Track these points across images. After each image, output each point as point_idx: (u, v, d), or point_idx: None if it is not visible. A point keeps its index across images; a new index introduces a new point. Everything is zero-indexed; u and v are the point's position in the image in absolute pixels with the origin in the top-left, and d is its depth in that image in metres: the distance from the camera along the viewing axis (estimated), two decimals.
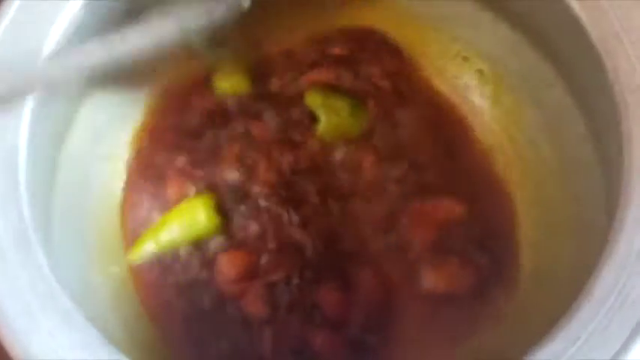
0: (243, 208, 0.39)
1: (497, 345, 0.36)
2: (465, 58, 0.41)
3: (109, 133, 0.40)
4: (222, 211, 0.39)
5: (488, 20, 0.39)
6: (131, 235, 0.40)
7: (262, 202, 0.39)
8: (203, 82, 0.42)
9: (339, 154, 0.40)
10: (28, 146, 0.31)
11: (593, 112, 0.34)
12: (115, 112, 0.40)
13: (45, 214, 0.33)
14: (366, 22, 0.42)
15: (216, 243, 0.39)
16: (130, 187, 0.41)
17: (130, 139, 0.41)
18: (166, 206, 0.40)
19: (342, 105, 0.41)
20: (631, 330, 0.26)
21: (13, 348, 0.27)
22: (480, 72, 0.41)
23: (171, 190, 0.40)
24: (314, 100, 0.41)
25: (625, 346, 0.26)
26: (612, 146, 0.31)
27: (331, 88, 0.41)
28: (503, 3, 0.37)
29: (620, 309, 0.26)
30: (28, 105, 0.31)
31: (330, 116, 0.40)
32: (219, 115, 0.41)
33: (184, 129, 0.41)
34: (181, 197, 0.40)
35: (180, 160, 0.41)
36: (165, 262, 0.40)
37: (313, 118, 0.41)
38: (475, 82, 0.41)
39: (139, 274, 0.40)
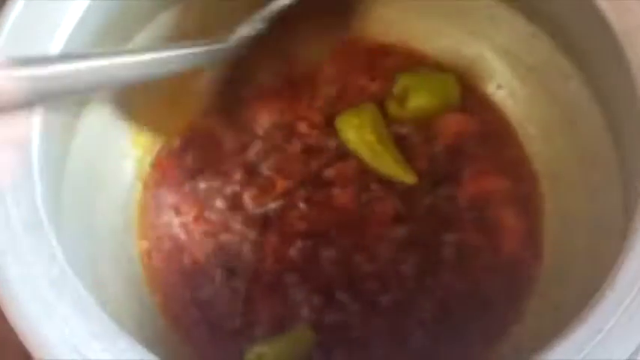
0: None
1: (520, 341, 0.36)
2: (480, 52, 0.41)
3: (120, 126, 0.39)
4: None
5: (503, 13, 0.39)
6: (145, 229, 0.40)
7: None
8: None
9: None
10: (41, 136, 0.31)
11: (612, 105, 0.33)
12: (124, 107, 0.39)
13: (56, 205, 0.33)
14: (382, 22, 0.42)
15: None
16: (148, 182, 0.41)
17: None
18: (185, 202, 0.40)
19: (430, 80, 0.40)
20: None
21: (26, 334, 0.27)
22: (495, 65, 0.41)
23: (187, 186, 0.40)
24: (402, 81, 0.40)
25: None
26: (631, 140, 0.30)
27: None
28: None
29: None
30: None
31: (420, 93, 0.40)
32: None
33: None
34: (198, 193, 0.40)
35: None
36: (175, 253, 0.40)
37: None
38: (489, 75, 0.41)
39: (149, 265, 0.40)
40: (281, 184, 0.40)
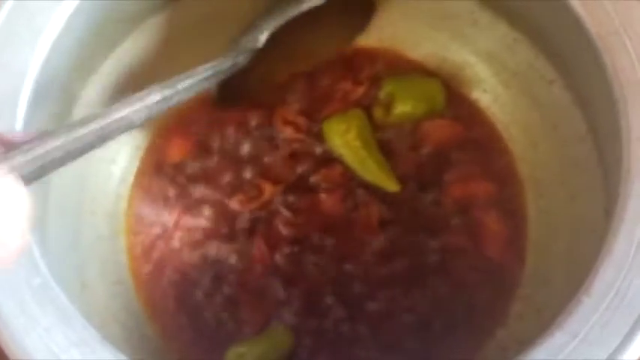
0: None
1: (504, 344, 0.36)
2: (464, 57, 0.41)
3: None
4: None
5: (487, 19, 0.39)
6: (132, 236, 0.40)
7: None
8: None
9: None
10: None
11: (592, 109, 0.34)
12: None
13: (41, 211, 0.33)
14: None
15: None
16: (135, 187, 0.41)
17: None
18: (171, 208, 0.40)
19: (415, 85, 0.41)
20: (630, 326, 0.26)
21: (8, 345, 0.27)
22: (479, 70, 0.41)
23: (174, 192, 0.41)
24: (388, 87, 0.40)
25: (625, 342, 0.26)
26: (611, 143, 0.31)
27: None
28: (502, 2, 0.37)
29: (619, 305, 0.26)
30: (24, 97, 0.31)
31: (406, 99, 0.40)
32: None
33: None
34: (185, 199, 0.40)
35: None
36: (162, 260, 0.40)
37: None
38: (473, 80, 0.41)
39: (136, 271, 0.40)
40: (268, 190, 0.40)
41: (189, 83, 0.31)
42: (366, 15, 0.41)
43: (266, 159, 0.40)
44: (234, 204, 0.40)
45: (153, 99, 0.29)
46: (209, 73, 0.32)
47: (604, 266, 0.27)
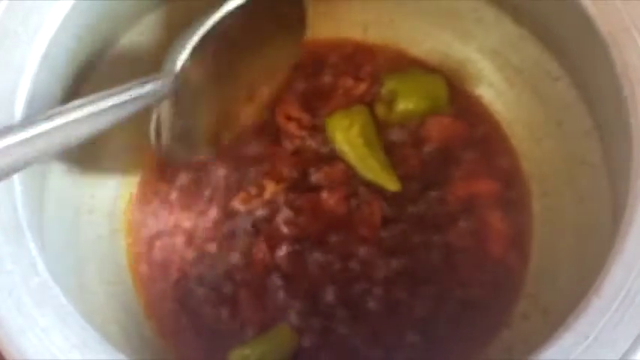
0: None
1: (510, 345, 0.36)
2: (468, 54, 0.41)
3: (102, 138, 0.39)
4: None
5: (491, 15, 0.38)
6: (132, 235, 0.40)
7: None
8: None
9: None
10: None
11: (599, 106, 0.33)
12: None
13: (38, 209, 0.33)
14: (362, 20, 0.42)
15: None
16: (136, 187, 0.40)
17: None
18: (171, 207, 0.40)
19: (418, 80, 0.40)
20: None
21: (6, 346, 0.26)
22: (483, 67, 0.41)
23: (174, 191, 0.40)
24: (390, 84, 0.40)
25: (636, 343, 0.25)
26: (619, 141, 0.30)
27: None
28: None
29: (629, 307, 0.26)
30: (22, 95, 0.30)
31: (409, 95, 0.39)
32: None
33: None
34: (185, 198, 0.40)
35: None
36: (163, 259, 0.39)
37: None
38: (476, 77, 0.41)
39: (136, 271, 0.39)
40: (271, 189, 0.39)
41: (110, 104, 0.29)
42: (300, 30, 0.38)
43: (268, 157, 0.40)
44: (236, 203, 0.39)
45: (75, 116, 0.28)
46: (129, 97, 0.30)
47: (614, 267, 0.26)
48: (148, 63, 0.39)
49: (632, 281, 0.26)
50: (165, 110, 0.33)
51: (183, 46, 0.32)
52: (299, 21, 0.37)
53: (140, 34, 0.38)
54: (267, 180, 0.39)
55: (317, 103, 0.41)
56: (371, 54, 0.42)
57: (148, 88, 0.31)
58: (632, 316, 0.26)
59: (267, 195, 0.39)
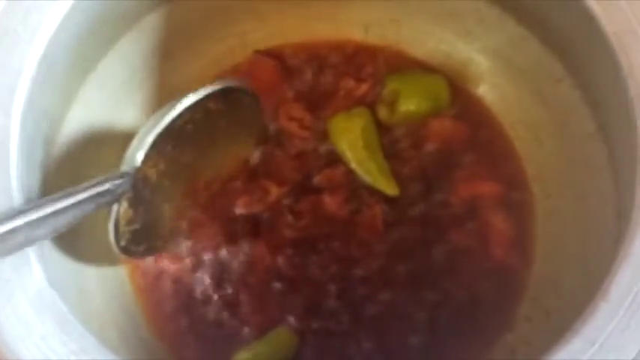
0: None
1: (513, 348, 0.35)
2: (470, 54, 0.40)
3: (102, 137, 0.39)
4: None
5: (493, 15, 0.38)
6: None
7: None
8: None
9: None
10: (20, 141, 0.30)
11: (603, 108, 0.33)
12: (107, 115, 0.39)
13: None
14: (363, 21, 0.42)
15: None
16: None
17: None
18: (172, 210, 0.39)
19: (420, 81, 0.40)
20: None
21: (4, 354, 0.26)
22: (485, 68, 0.40)
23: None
24: (391, 85, 0.39)
25: None
26: (624, 143, 0.30)
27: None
28: None
29: (636, 311, 0.26)
30: (20, 95, 0.30)
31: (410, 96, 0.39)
32: None
33: None
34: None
35: None
36: (162, 263, 0.39)
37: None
38: (479, 78, 0.41)
39: (136, 275, 0.39)
40: (274, 192, 0.39)
41: (68, 204, 0.29)
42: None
43: (271, 159, 0.39)
44: (238, 207, 0.39)
45: (31, 217, 0.27)
46: (88, 194, 0.30)
47: (621, 270, 0.26)
48: (148, 63, 0.39)
49: None
50: (122, 208, 0.33)
51: (142, 143, 0.32)
52: (255, 118, 0.38)
53: (140, 34, 0.38)
54: (270, 183, 0.39)
55: (319, 103, 0.41)
56: (372, 55, 0.42)
57: (110, 184, 0.31)
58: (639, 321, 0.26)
59: (271, 198, 0.39)
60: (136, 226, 0.34)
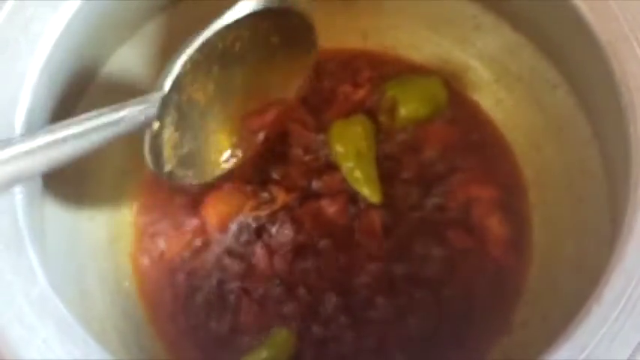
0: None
1: (510, 352, 0.35)
2: (467, 61, 0.41)
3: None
4: None
5: (490, 22, 0.39)
6: (133, 242, 0.40)
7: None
8: None
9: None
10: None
11: (598, 114, 0.33)
12: None
13: (39, 217, 0.32)
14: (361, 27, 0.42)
15: None
16: (136, 193, 0.40)
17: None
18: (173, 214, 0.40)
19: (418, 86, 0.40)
20: None
21: (6, 357, 0.26)
22: (482, 74, 0.41)
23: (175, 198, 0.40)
24: (390, 92, 0.40)
25: (635, 353, 0.25)
26: (618, 149, 0.30)
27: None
28: (505, 5, 0.37)
29: (629, 315, 0.26)
30: (23, 103, 0.30)
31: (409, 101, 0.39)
32: None
33: None
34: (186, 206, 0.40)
35: None
36: (164, 266, 0.39)
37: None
38: (476, 84, 0.41)
39: (136, 278, 0.39)
40: (281, 198, 0.39)
41: (99, 123, 0.29)
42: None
43: (282, 161, 0.40)
44: (245, 211, 0.39)
45: (68, 132, 0.28)
46: (117, 116, 0.29)
47: (614, 274, 0.27)
48: (149, 70, 0.39)
49: (633, 289, 0.26)
50: (167, 132, 0.32)
51: (171, 65, 0.31)
52: (307, 42, 0.37)
53: (141, 41, 0.38)
54: (278, 189, 0.39)
55: (320, 108, 0.41)
56: (370, 60, 0.42)
57: (127, 111, 0.30)
58: (632, 325, 0.26)
59: (278, 204, 0.39)
60: (184, 150, 0.33)
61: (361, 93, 0.41)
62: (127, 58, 0.38)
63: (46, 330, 0.27)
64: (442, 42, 0.41)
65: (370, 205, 0.39)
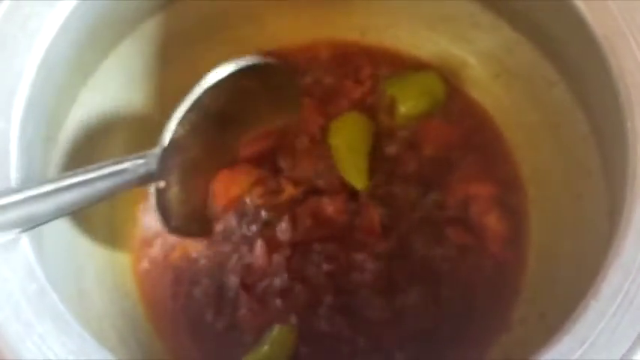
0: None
1: (509, 350, 0.36)
2: (465, 58, 0.41)
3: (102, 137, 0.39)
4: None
5: (488, 20, 0.39)
6: (131, 239, 0.40)
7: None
8: None
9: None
10: (20, 144, 0.30)
11: (596, 111, 0.33)
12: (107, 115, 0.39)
13: None
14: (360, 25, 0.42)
15: None
16: (134, 192, 0.40)
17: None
18: None
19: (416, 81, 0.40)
20: (639, 331, 0.26)
21: (3, 353, 0.26)
22: (480, 71, 0.41)
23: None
24: (388, 90, 0.40)
25: (633, 347, 0.25)
26: (616, 146, 0.30)
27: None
28: (504, 3, 0.37)
29: (627, 310, 0.26)
30: (20, 100, 0.30)
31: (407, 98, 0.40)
32: None
33: None
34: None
35: None
36: (162, 263, 0.39)
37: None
38: (474, 81, 0.41)
39: (135, 275, 0.39)
40: (289, 191, 0.39)
41: (102, 174, 0.30)
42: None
43: (292, 154, 0.40)
44: (252, 195, 0.39)
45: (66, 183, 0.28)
46: (98, 174, 0.30)
47: (612, 270, 0.27)
48: (147, 68, 0.39)
49: (630, 284, 0.27)
50: (173, 190, 0.34)
51: (169, 124, 0.33)
52: (291, 91, 0.39)
53: (139, 39, 0.38)
54: (287, 182, 0.39)
55: (322, 103, 0.41)
56: (369, 57, 0.42)
57: (129, 164, 0.32)
58: (630, 319, 0.26)
59: (282, 198, 0.39)
60: (189, 206, 0.34)
61: (361, 89, 0.41)
62: (125, 55, 0.38)
63: (43, 326, 0.27)
64: (440, 39, 0.41)
65: (369, 203, 0.39)
